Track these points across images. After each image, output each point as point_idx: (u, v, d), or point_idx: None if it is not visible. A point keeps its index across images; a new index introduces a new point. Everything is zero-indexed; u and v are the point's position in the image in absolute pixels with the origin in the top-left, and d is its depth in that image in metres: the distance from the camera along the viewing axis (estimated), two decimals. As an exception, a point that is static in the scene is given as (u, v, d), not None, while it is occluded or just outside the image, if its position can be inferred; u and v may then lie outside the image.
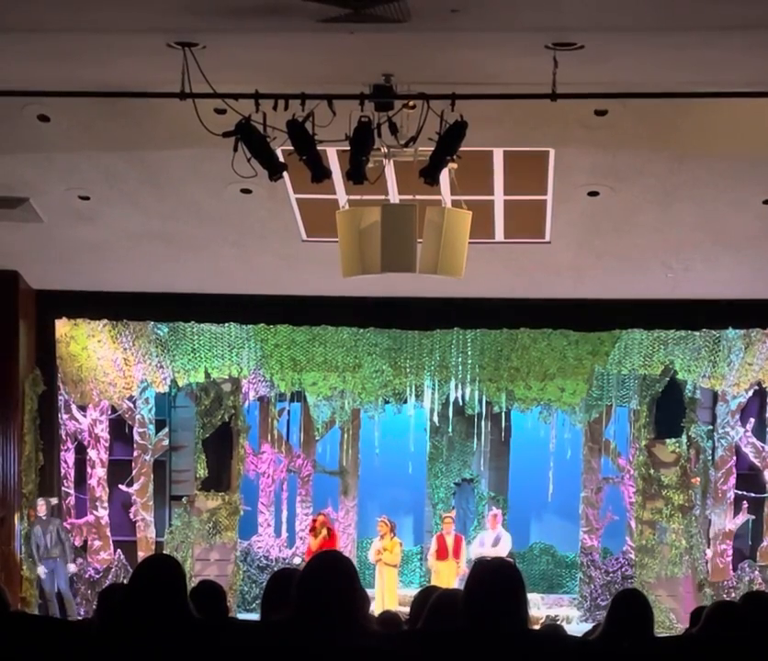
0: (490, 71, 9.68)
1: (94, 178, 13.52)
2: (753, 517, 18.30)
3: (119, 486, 18.59)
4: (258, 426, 19.53)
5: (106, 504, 18.56)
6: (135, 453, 18.72)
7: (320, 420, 19.28)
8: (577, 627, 17.06)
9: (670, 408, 18.42)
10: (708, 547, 18.40)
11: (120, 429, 18.74)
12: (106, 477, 18.57)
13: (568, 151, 12.79)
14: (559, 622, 16.33)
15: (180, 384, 18.61)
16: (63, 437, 18.23)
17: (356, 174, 10.00)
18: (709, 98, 10.11)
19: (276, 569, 12.46)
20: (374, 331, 18.13)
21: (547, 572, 19.78)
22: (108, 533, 18.55)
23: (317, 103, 9.46)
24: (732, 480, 18.36)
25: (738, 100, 10.19)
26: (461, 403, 18.68)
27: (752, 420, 18.28)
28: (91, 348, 17.99)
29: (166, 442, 18.92)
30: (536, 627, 7.57)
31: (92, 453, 18.51)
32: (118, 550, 18.56)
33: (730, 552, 18.31)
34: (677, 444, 18.44)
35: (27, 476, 17.25)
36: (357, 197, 11.38)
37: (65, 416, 18.26)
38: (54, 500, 17.54)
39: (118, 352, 18.14)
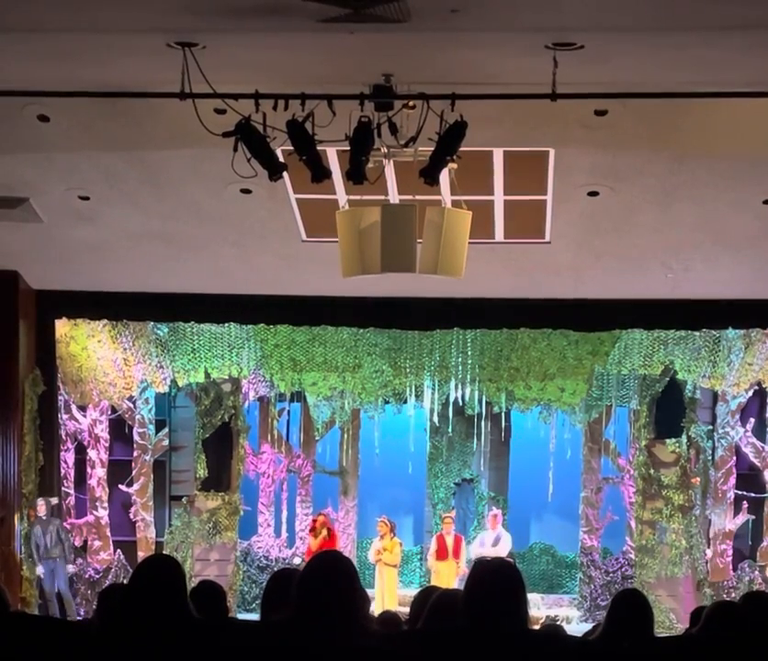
0: (490, 71, 9.68)
1: (94, 178, 13.53)
2: (753, 517, 18.30)
3: (119, 486, 18.59)
4: (258, 426, 19.54)
5: (106, 504, 18.57)
6: (135, 454, 18.72)
7: (320, 421, 19.28)
8: (577, 627, 17.06)
9: (670, 409, 18.43)
10: (708, 547, 18.40)
11: (120, 429, 18.74)
12: (106, 477, 18.58)
13: (568, 151, 12.79)
14: (559, 622, 16.33)
15: (180, 384, 18.61)
16: (63, 437, 18.23)
17: (356, 174, 10.00)
18: (709, 98, 10.11)
19: (275, 569, 12.46)
20: (374, 331, 18.13)
21: (547, 572, 19.78)
22: (108, 533, 18.56)
23: (317, 103, 9.46)
24: (732, 480, 18.36)
25: (738, 100, 10.18)
26: (461, 403, 18.68)
27: (752, 420, 18.29)
28: (91, 348, 17.99)
29: (166, 443, 18.93)
30: (536, 627, 7.57)
31: (92, 454, 18.51)
32: (118, 550, 18.56)
33: (730, 552, 18.32)
34: (677, 444, 18.44)
35: (27, 476, 17.25)
36: (357, 197, 11.38)
37: (65, 416, 18.26)
38: (54, 500, 17.54)
39: (118, 352, 18.14)
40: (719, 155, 12.47)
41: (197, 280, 16.50)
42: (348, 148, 9.87)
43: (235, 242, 15.20)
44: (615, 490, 19.10)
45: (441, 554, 17.48)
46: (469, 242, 11.40)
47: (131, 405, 18.65)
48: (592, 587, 18.80)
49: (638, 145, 12.29)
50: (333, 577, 4.15)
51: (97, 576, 18.30)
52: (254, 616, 11.75)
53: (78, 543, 18.34)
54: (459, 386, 18.48)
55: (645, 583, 17.80)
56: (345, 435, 19.46)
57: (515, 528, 18.52)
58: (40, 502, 17.14)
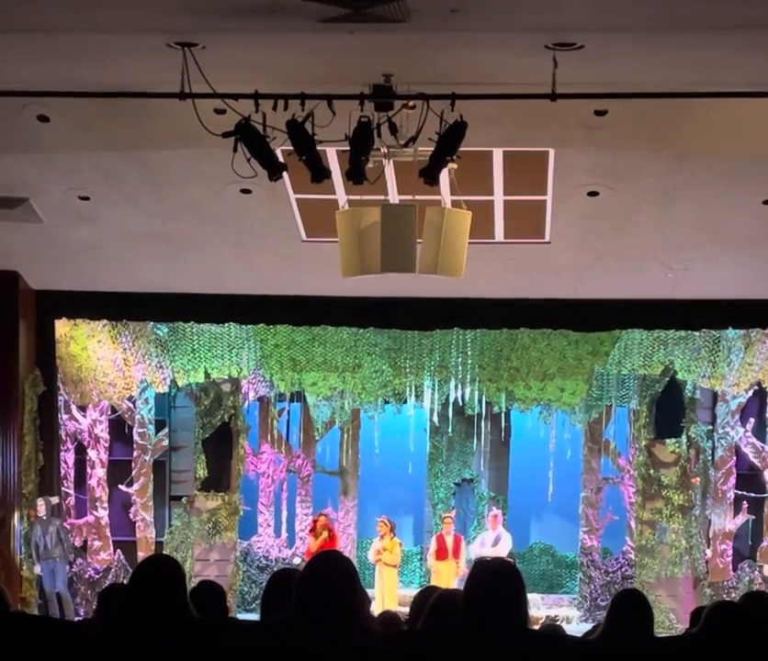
0: (490, 71, 9.68)
1: (93, 178, 13.53)
2: (753, 517, 18.30)
3: (119, 486, 18.59)
4: (258, 426, 19.53)
5: (105, 504, 18.56)
6: (135, 454, 18.72)
7: (319, 421, 19.28)
8: (577, 627, 17.06)
9: (670, 409, 18.42)
10: (708, 547, 18.40)
11: (120, 429, 18.74)
12: (105, 478, 18.58)
13: (568, 152, 12.79)
14: (558, 622, 16.33)
15: (180, 384, 18.61)
16: (63, 437, 18.23)
17: (356, 174, 10.00)
18: (709, 98, 10.10)
19: (275, 569, 12.46)
20: (374, 331, 18.13)
21: (547, 572, 19.78)
22: (108, 534, 18.56)
23: (317, 103, 9.46)
24: (732, 480, 18.36)
25: (738, 100, 10.18)
26: (461, 403, 18.68)
27: (752, 420, 18.28)
28: (91, 348, 17.99)
29: (166, 443, 18.93)
30: (536, 627, 7.57)
31: (92, 454, 18.51)
32: (118, 550, 18.56)
33: (730, 552, 18.32)
34: (677, 444, 18.44)
35: (26, 476, 17.25)
36: (357, 197, 11.39)
37: (65, 416, 18.26)
38: (55, 500, 17.54)
39: (118, 352, 18.14)
40: (719, 155, 12.47)
41: (197, 280, 16.50)
42: (348, 148, 9.87)
43: (235, 242, 15.20)
44: (615, 490, 19.10)
45: (441, 554, 17.48)
46: (469, 242, 11.40)
47: (131, 405, 18.65)
48: (592, 587, 18.80)
49: (638, 145, 12.29)
50: (333, 577, 4.15)
51: (97, 577, 18.30)
52: (254, 616, 11.74)
53: (78, 543, 18.34)
54: (459, 386, 18.48)
55: (645, 583, 17.80)
56: (345, 435, 19.45)
57: (515, 528, 18.52)
58: (40, 502, 17.14)
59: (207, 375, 18.46)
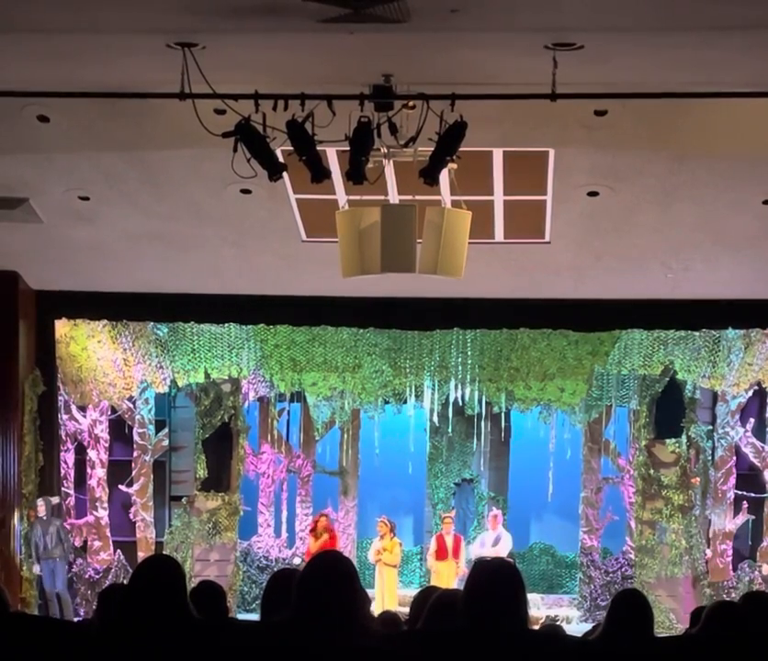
0: (489, 71, 9.68)
1: (93, 178, 13.53)
2: (753, 517, 18.30)
3: (119, 486, 18.59)
4: (258, 426, 19.54)
5: (105, 504, 18.56)
6: (135, 454, 18.72)
7: (320, 421, 19.28)
8: (577, 627, 17.06)
9: (670, 409, 18.42)
10: (708, 547, 18.40)
11: (120, 429, 18.74)
12: (105, 478, 18.58)
13: (567, 152, 12.79)
14: (558, 622, 16.33)
15: (180, 384, 18.61)
16: (63, 437, 18.23)
17: (356, 175, 10.00)
18: (709, 98, 10.10)
19: (275, 569, 12.46)
20: (374, 332, 18.13)
21: (547, 572, 19.78)
22: (108, 534, 18.56)
23: (317, 103, 9.46)
24: (732, 480, 18.36)
25: (738, 100, 10.18)
26: (461, 403, 18.68)
27: (752, 420, 18.28)
28: (91, 348, 17.99)
29: (166, 443, 18.93)
30: (536, 627, 7.57)
31: (92, 454, 18.51)
32: (118, 550, 18.56)
33: (730, 552, 18.32)
34: (677, 444, 18.44)
35: (26, 476, 17.25)
36: (357, 198, 11.39)
37: (65, 416, 18.26)
38: (56, 500, 17.54)
39: (118, 352, 18.14)
40: (719, 155, 12.47)
41: (197, 280, 16.50)
42: (348, 148, 9.87)
43: (235, 242, 15.20)
44: (615, 490, 19.11)
45: (441, 554, 17.48)
46: (469, 242, 11.40)
47: (131, 405, 18.65)
48: (592, 587, 18.80)
49: (638, 145, 12.29)
50: (333, 578, 4.15)
51: (97, 577, 18.31)
52: (254, 616, 11.75)
53: (78, 543, 18.34)
54: (459, 386, 18.48)
55: (645, 583, 17.80)
56: (345, 435, 19.46)
57: (515, 528, 18.52)
58: (40, 502, 17.14)
59: (207, 376, 18.46)
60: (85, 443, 18.51)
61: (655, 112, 11.10)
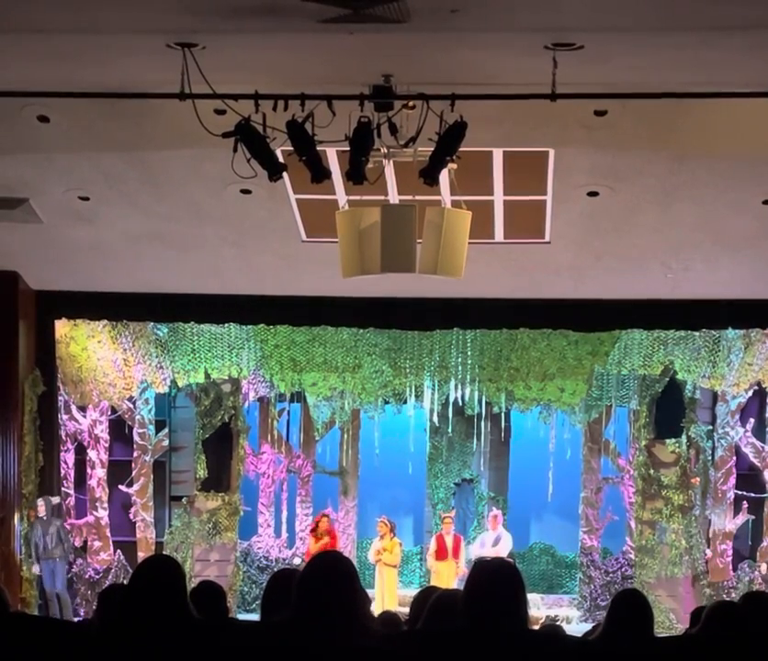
0: (489, 71, 9.68)
1: (93, 179, 13.53)
2: (753, 517, 18.30)
3: (119, 486, 18.59)
4: (258, 426, 19.53)
5: (105, 505, 18.56)
6: (135, 454, 18.72)
7: (320, 421, 19.28)
8: (577, 627, 17.06)
9: (669, 409, 18.42)
10: (708, 547, 18.40)
11: (120, 429, 18.74)
12: (105, 478, 18.58)
13: (567, 152, 12.79)
14: (558, 622, 16.33)
15: (180, 384, 18.61)
16: (63, 438, 18.23)
17: (356, 175, 10.01)
18: (709, 98, 10.10)
19: (275, 570, 12.46)
20: (374, 332, 18.13)
21: (547, 572, 19.78)
22: (108, 534, 18.56)
23: (317, 103, 9.46)
24: (732, 480, 18.36)
25: (738, 100, 10.18)
26: (461, 403, 18.68)
27: (752, 420, 18.28)
28: (91, 349, 17.99)
29: (166, 443, 18.93)
30: (536, 627, 7.57)
31: (92, 454, 18.51)
32: (118, 550, 18.56)
33: (730, 552, 18.32)
34: (677, 444, 18.44)
35: (26, 476, 17.26)
36: (357, 198, 11.39)
37: (65, 416, 18.26)
38: (56, 499, 17.54)
39: (118, 352, 18.14)
40: (719, 155, 12.47)
41: (197, 280, 16.50)
42: (348, 148, 9.87)
43: (235, 242, 15.20)
44: (615, 490, 19.10)
45: (440, 554, 17.48)
46: (469, 242, 11.40)
47: (131, 405, 18.65)
48: (592, 587, 18.80)
49: (638, 145, 12.30)
50: (333, 578, 4.15)
51: (97, 577, 18.31)
52: (254, 616, 11.75)
53: (78, 543, 18.34)
54: (459, 387, 18.48)
55: (645, 583, 17.81)
56: (345, 435, 19.46)
57: (515, 528, 18.52)
58: (41, 502, 17.14)
59: (207, 376, 18.46)
60: (85, 444, 18.51)
61: (655, 112, 11.10)
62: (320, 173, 10.08)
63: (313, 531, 17.77)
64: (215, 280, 16.45)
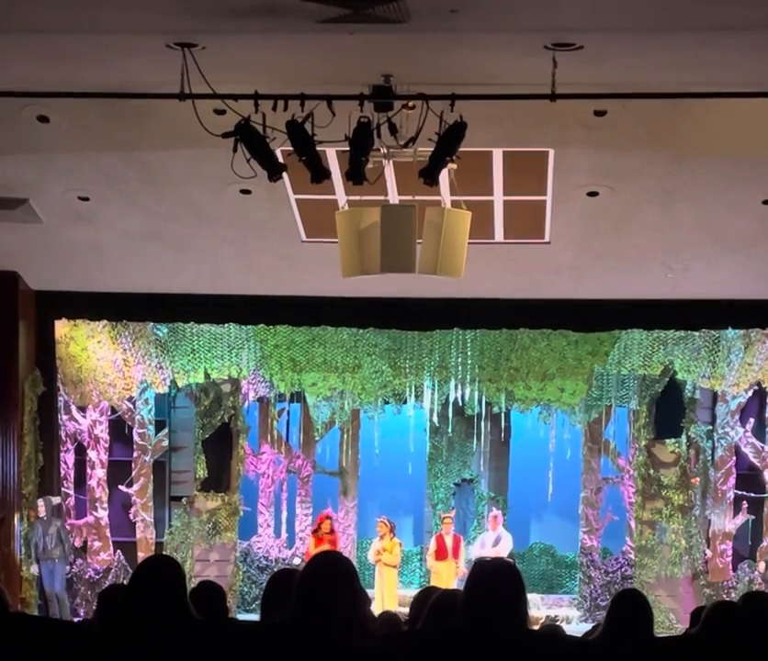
0: (489, 71, 9.68)
1: (93, 179, 13.53)
2: (753, 517, 18.29)
3: (119, 486, 18.58)
4: (258, 427, 19.53)
5: (105, 505, 18.56)
6: (135, 454, 18.71)
7: (319, 421, 19.28)
8: (577, 627, 17.06)
9: (669, 409, 18.42)
10: (708, 547, 18.40)
11: (120, 430, 18.74)
12: (105, 478, 18.57)
13: (567, 152, 12.79)
14: (558, 622, 16.33)
15: (180, 384, 18.61)
16: (63, 438, 18.23)
17: (356, 175, 10.01)
18: (709, 98, 10.10)
19: (275, 570, 12.46)
20: (373, 332, 18.13)
21: (547, 572, 19.78)
22: (108, 534, 18.55)
23: (316, 103, 9.46)
24: (732, 480, 18.36)
25: (738, 100, 10.18)
26: (461, 403, 18.68)
27: (752, 420, 18.28)
28: (91, 349, 17.99)
29: (166, 443, 18.92)
30: (536, 627, 7.57)
31: (92, 454, 18.51)
32: (118, 551, 18.55)
33: (730, 552, 18.32)
34: (677, 444, 18.44)
35: (26, 476, 17.26)
36: (357, 198, 11.40)
37: (65, 417, 18.26)
38: (57, 500, 17.55)
39: (118, 352, 18.14)
40: (719, 155, 12.47)
41: (197, 280, 16.50)
42: (348, 148, 9.87)
43: (235, 242, 15.20)
44: (615, 490, 19.10)
45: (440, 554, 17.48)
46: (469, 243, 11.40)
47: (131, 405, 18.65)
48: (592, 587, 18.80)
49: (638, 145, 12.29)
50: (332, 577, 4.15)
51: (97, 577, 18.30)
52: (254, 616, 11.75)
53: (78, 543, 18.34)
54: (459, 387, 18.48)
55: (645, 583, 17.81)
56: (345, 435, 19.45)
57: (515, 528, 18.52)
58: (41, 502, 17.14)
59: (207, 376, 18.46)
60: (85, 444, 18.51)
61: (655, 112, 11.10)
62: (319, 174, 10.08)
63: (315, 532, 17.76)
64: (215, 280, 16.45)
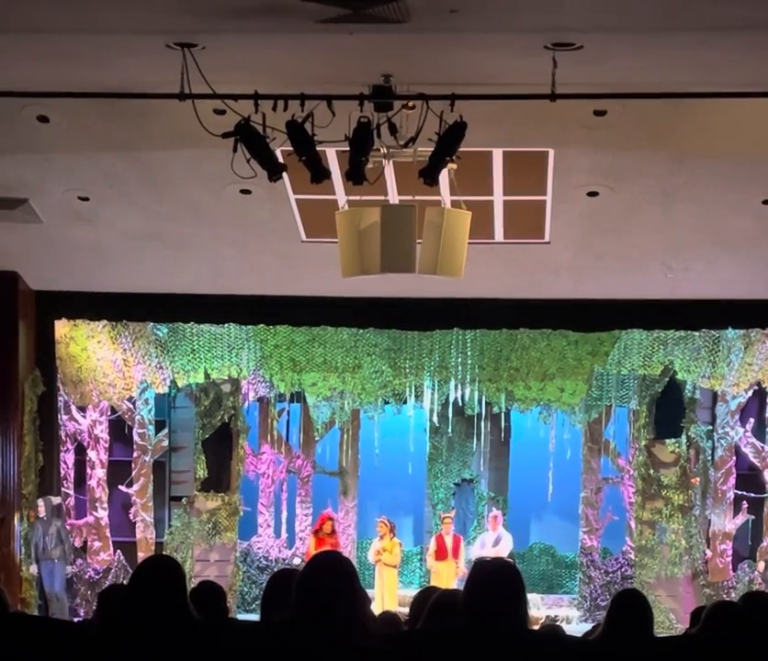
0: (489, 71, 9.68)
1: (93, 179, 13.53)
2: (753, 517, 18.29)
3: (119, 486, 18.58)
4: (258, 427, 19.53)
5: (105, 505, 18.55)
6: (135, 454, 18.71)
7: (319, 421, 19.27)
8: (577, 627, 17.06)
9: (669, 409, 18.42)
10: (708, 547, 18.40)
11: (120, 430, 18.73)
12: (105, 478, 18.57)
13: (567, 152, 12.80)
14: (558, 622, 16.33)
15: (180, 384, 18.61)
16: (63, 438, 18.22)
17: (356, 175, 10.01)
18: (709, 98, 10.11)
19: (275, 570, 12.46)
20: (373, 332, 18.13)
21: (547, 572, 19.78)
22: (108, 534, 18.54)
23: (316, 103, 9.47)
24: (732, 480, 18.36)
25: (737, 100, 10.18)
26: (461, 403, 18.68)
27: (752, 420, 18.28)
28: (90, 349, 17.99)
29: (166, 443, 18.92)
30: (536, 627, 7.57)
31: (91, 454, 18.50)
32: (118, 551, 18.55)
33: (730, 552, 18.31)
34: (677, 444, 18.44)
35: (26, 476, 17.26)
36: (357, 198, 11.40)
37: (65, 417, 18.26)
38: (57, 499, 17.54)
39: (118, 352, 18.14)
40: (719, 155, 12.47)
41: (197, 280, 16.50)
42: (348, 148, 9.87)
43: (235, 242, 15.20)
44: (615, 490, 19.10)
45: (440, 554, 17.48)
46: (469, 243, 11.41)
47: (131, 406, 18.65)
48: (592, 587, 18.80)
49: (638, 145, 12.30)
50: (332, 578, 4.15)
51: (97, 577, 18.29)
52: (254, 616, 11.75)
53: (78, 543, 18.33)
54: (459, 387, 18.47)
55: (645, 583, 17.80)
56: (345, 435, 19.45)
57: (515, 528, 18.52)
58: (41, 503, 17.14)
59: (207, 376, 18.46)
60: (85, 444, 18.50)
61: (655, 112, 11.10)
62: (319, 174, 10.09)
63: (316, 532, 17.74)
64: (215, 280, 16.45)
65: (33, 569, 17.16)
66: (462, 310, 17.07)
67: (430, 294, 16.08)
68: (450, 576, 16.95)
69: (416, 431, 19.41)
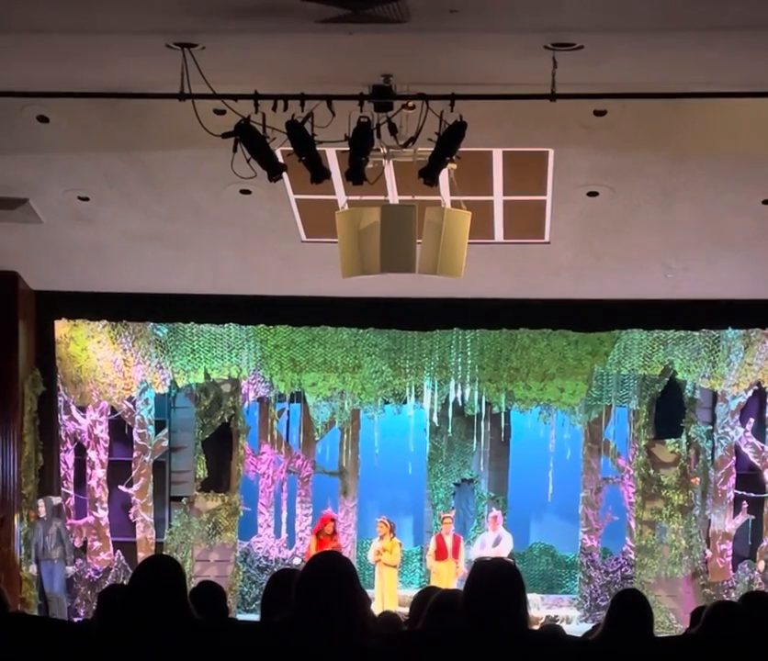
0: (489, 71, 9.68)
1: (93, 179, 13.53)
2: (753, 517, 18.29)
3: (119, 486, 18.57)
4: (258, 427, 19.52)
5: (105, 505, 18.55)
6: (135, 454, 18.71)
7: (319, 421, 19.27)
8: (577, 627, 17.06)
9: (669, 409, 18.42)
10: (708, 547, 18.39)
11: (120, 430, 18.73)
12: (105, 478, 18.56)
13: (567, 152, 12.79)
14: (558, 622, 16.33)
15: (180, 385, 18.61)
16: (63, 438, 18.22)
17: (356, 175, 10.01)
18: (709, 98, 10.11)
19: (275, 570, 12.45)
20: (373, 332, 18.13)
21: (547, 572, 19.78)
22: (108, 534, 18.54)
23: (316, 103, 9.47)
24: (732, 480, 18.35)
25: (737, 100, 10.19)
26: (461, 403, 18.68)
27: (752, 420, 18.28)
28: (90, 349, 17.99)
29: (166, 443, 18.92)
30: (536, 627, 7.57)
31: (91, 454, 18.50)
32: (118, 551, 18.54)
33: (730, 552, 18.31)
34: (677, 444, 18.44)
35: (26, 476, 17.25)
36: (357, 198, 11.40)
37: (65, 417, 18.26)
38: (57, 500, 17.54)
39: (118, 352, 18.14)
40: (719, 155, 12.47)
41: (197, 280, 16.50)
42: (348, 148, 9.87)
43: (235, 242, 15.20)
44: (615, 490, 19.10)
45: (440, 554, 17.48)
46: (469, 243, 11.40)
47: (131, 406, 18.64)
48: (592, 587, 18.80)
49: (638, 145, 12.30)
50: (332, 578, 4.15)
51: (97, 577, 18.29)
52: (254, 617, 11.75)
53: (78, 543, 18.33)
54: (459, 387, 18.47)
55: (645, 583, 17.80)
56: (345, 436, 19.45)
57: (515, 528, 18.52)
58: (41, 503, 17.14)
59: (207, 376, 18.46)
60: (85, 444, 18.50)
61: (655, 112, 11.10)
62: (319, 174, 10.09)
63: (318, 533, 17.72)
64: (215, 280, 16.45)
65: (33, 569, 17.16)
66: (462, 310, 17.07)
67: (430, 294, 16.07)
68: (450, 577, 16.95)
69: (416, 432, 19.41)
